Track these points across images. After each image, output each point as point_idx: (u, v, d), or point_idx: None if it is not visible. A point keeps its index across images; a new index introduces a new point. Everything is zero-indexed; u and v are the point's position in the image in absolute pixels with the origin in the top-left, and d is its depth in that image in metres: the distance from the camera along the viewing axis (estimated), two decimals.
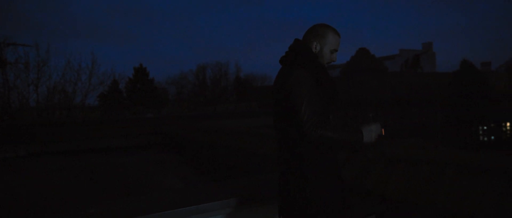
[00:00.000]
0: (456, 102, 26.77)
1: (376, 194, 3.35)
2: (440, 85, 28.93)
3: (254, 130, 7.33)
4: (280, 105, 1.81)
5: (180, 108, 42.55)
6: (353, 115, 25.37)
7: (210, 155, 7.65)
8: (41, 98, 24.92)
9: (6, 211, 4.71)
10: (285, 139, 1.81)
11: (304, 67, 1.78)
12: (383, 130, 1.81)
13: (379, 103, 25.87)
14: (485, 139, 28.33)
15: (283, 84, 1.78)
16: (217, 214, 2.18)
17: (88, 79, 26.60)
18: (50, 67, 35.54)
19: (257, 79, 50.54)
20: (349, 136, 1.73)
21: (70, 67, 27.00)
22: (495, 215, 2.64)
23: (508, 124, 30.49)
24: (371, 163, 3.61)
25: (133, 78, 37.58)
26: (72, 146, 10.96)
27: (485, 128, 28.35)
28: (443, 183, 3.28)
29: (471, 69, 28.44)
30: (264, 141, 5.87)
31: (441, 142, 24.47)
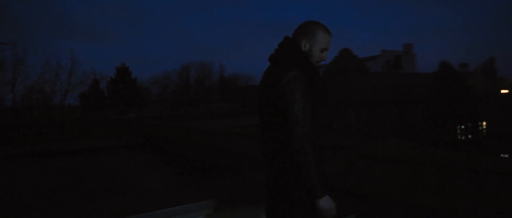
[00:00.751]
0: (435, 102, 27.43)
1: (356, 193, 3.40)
2: (420, 86, 29.59)
3: (238, 130, 7.31)
4: (269, 105, 1.76)
5: (163, 108, 42.11)
6: (336, 115, 25.66)
7: (193, 155, 7.59)
8: (18, 98, 24.19)
9: None
10: (272, 138, 1.77)
11: (296, 68, 1.73)
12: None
13: (361, 103, 26.24)
14: (463, 137, 29.18)
15: (274, 84, 1.73)
16: (196, 216, 2.16)
17: (68, 78, 25.93)
18: (27, 66, 34.46)
19: (241, 79, 50.51)
20: (316, 179, 1.65)
21: (49, 66, 26.27)
22: (471, 212, 2.73)
23: (484, 123, 31.48)
24: (351, 162, 3.67)
25: (115, 78, 36.97)
26: (52, 147, 10.70)
27: (462, 127, 29.20)
28: (421, 182, 3.37)
29: (450, 70, 29.23)
30: (248, 141, 5.88)
31: (421, 141, 25.07)
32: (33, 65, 41.80)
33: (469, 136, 29.35)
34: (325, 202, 1.68)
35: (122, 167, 7.90)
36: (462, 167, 3.34)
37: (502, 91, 38.03)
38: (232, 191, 2.46)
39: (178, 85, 47.28)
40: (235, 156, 5.92)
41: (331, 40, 1.89)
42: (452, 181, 3.27)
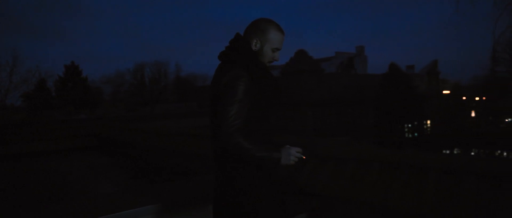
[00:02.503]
0: (385, 102, 28.87)
1: (307, 191, 3.50)
2: (371, 86, 30.99)
3: (193, 130, 7.23)
4: (214, 103, 1.71)
5: (116, 108, 40.45)
6: (292, 115, 26.18)
7: (147, 157, 7.39)
8: None
9: None
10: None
11: (242, 66, 1.67)
12: (304, 156, 1.72)
13: (316, 104, 26.97)
14: (410, 135, 31.01)
15: (218, 82, 1.68)
16: None
17: (9, 77, 24.01)
18: None
19: (198, 79, 49.88)
20: (265, 153, 1.62)
21: None
22: (414, 205, 2.91)
23: (429, 122, 33.69)
24: (302, 161, 3.77)
25: (64, 76, 34.95)
26: None
27: (409, 125, 31.04)
28: (368, 179, 3.52)
29: (398, 71, 30.92)
30: (202, 141, 5.83)
31: (372, 140, 26.20)
32: None
33: (416, 134, 31.26)
34: (285, 159, 1.66)
35: (70, 171, 7.50)
36: (406, 163, 3.56)
37: (444, 92, 40.97)
38: (181, 193, 2.42)
39: (132, 84, 45.66)
40: (190, 157, 5.84)
41: (283, 40, 1.81)
42: (396, 177, 3.47)
